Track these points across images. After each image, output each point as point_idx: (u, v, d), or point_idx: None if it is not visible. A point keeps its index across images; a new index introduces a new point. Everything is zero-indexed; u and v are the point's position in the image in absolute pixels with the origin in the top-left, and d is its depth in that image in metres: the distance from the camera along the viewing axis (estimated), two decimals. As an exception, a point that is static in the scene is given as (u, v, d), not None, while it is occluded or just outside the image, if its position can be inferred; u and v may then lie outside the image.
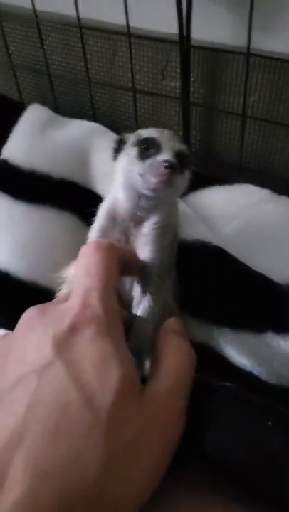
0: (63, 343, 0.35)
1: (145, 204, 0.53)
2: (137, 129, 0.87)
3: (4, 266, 0.68)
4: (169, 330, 0.42)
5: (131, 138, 0.55)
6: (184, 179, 0.53)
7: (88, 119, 0.86)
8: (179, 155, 0.51)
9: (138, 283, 0.52)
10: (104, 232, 0.54)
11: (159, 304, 0.52)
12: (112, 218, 0.55)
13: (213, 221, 0.68)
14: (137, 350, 0.45)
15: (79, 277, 0.41)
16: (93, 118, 0.91)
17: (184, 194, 0.72)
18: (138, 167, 0.51)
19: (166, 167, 0.47)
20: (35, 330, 0.37)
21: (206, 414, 0.37)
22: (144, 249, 0.52)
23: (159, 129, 0.54)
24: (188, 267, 0.58)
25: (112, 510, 0.30)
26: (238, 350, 0.55)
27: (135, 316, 0.51)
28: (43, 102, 0.87)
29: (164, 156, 0.49)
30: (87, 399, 0.32)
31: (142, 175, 0.50)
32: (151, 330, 0.49)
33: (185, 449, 0.35)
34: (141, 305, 0.51)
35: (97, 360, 0.34)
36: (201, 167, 0.83)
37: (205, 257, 0.60)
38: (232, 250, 0.60)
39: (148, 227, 0.53)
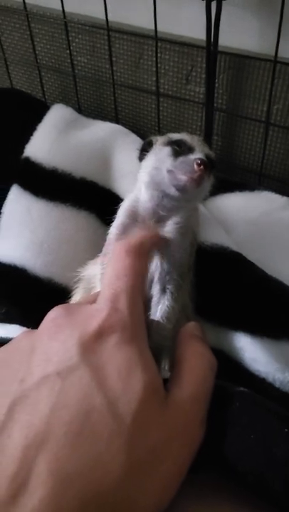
0: (89, 347, 0.34)
1: (168, 204, 0.53)
2: (160, 132, 0.88)
3: (22, 262, 0.69)
4: (190, 335, 0.42)
5: (160, 139, 0.56)
6: (208, 184, 0.53)
7: (111, 120, 0.87)
8: (208, 158, 0.51)
9: (158, 281, 0.52)
10: (125, 229, 0.55)
11: (178, 303, 0.52)
12: (133, 216, 0.55)
13: (232, 226, 0.68)
14: (156, 350, 0.45)
15: (109, 279, 0.40)
16: (116, 120, 0.91)
17: (205, 198, 0.72)
18: (168, 164, 0.51)
19: (199, 164, 0.48)
20: (63, 330, 0.36)
21: (223, 419, 0.37)
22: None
23: (189, 134, 0.56)
24: (205, 271, 0.58)
25: None
26: (252, 356, 0.54)
27: (152, 320, 0.51)
28: (66, 102, 0.88)
29: (197, 155, 0.50)
30: (111, 405, 0.32)
31: (170, 172, 0.51)
32: (170, 330, 0.49)
33: (201, 452, 0.35)
34: (160, 304, 0.51)
35: (122, 367, 0.34)
36: (221, 173, 0.84)
37: (222, 262, 0.59)
38: (249, 256, 0.60)
39: (169, 226, 0.53)
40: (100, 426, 0.31)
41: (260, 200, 0.74)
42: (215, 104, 0.79)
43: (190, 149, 0.52)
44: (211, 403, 0.38)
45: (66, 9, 0.84)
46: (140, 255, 0.43)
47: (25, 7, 0.88)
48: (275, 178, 0.82)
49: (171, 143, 0.53)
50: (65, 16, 0.85)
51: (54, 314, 0.38)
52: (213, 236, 0.61)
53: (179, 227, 0.53)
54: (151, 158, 0.55)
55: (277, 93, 0.74)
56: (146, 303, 0.52)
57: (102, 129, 0.80)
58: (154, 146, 0.56)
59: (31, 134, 0.79)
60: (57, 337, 0.36)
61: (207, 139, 0.82)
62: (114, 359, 0.34)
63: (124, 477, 0.30)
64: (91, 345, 0.34)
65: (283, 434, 0.36)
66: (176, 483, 0.33)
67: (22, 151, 0.77)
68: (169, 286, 0.52)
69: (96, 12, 0.82)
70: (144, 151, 0.57)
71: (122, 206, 0.56)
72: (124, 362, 0.34)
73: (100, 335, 0.35)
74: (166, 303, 0.51)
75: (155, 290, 0.52)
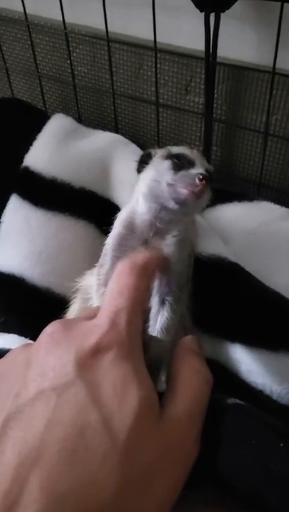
0: (85, 363, 0.34)
1: (165, 216, 0.53)
2: (159, 142, 0.88)
3: (20, 271, 0.69)
4: (186, 349, 0.42)
5: (160, 152, 0.56)
6: (206, 197, 0.53)
7: (110, 130, 0.87)
8: (208, 172, 0.51)
9: (156, 293, 0.52)
10: (122, 240, 0.54)
11: (177, 314, 0.52)
12: (130, 228, 0.55)
13: (231, 236, 0.67)
14: (155, 362, 0.45)
15: (111, 295, 0.40)
16: (115, 129, 0.92)
17: (202, 211, 0.72)
18: (168, 177, 0.51)
19: (200, 179, 0.49)
20: (60, 345, 0.36)
21: (218, 432, 0.37)
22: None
23: (188, 148, 0.56)
24: (202, 282, 0.58)
25: None
26: (249, 368, 0.54)
27: (151, 336, 0.51)
28: (67, 112, 0.89)
29: (198, 170, 0.51)
30: (106, 421, 0.32)
31: (170, 185, 0.51)
32: (169, 344, 0.49)
33: (195, 467, 0.35)
34: (159, 316, 0.51)
35: (118, 383, 0.34)
36: (220, 183, 0.84)
37: (220, 273, 0.59)
38: (248, 267, 0.60)
39: (167, 239, 0.53)
40: (95, 443, 0.31)
41: (259, 210, 0.74)
42: (214, 115, 0.79)
43: (190, 163, 0.52)
44: (206, 415, 0.37)
45: (67, 20, 0.84)
46: (144, 275, 0.42)
47: (26, 18, 0.89)
48: (274, 189, 0.82)
49: (171, 156, 0.54)
50: (65, 27, 0.85)
51: (51, 329, 0.38)
52: (211, 246, 0.61)
53: (176, 240, 0.53)
54: (150, 170, 0.55)
55: (276, 104, 0.74)
56: (145, 314, 0.52)
57: (101, 139, 0.81)
58: (153, 159, 0.56)
59: (31, 144, 0.79)
60: (53, 352, 0.36)
61: (206, 149, 0.82)
62: (109, 375, 0.34)
63: (118, 495, 0.30)
64: (87, 361, 0.34)
65: (280, 450, 0.35)
66: (171, 500, 0.33)
67: (22, 161, 0.77)
68: (168, 298, 0.52)
69: (96, 23, 0.82)
70: (142, 162, 0.57)
71: (119, 217, 0.56)
72: (120, 378, 0.34)
73: (96, 351, 0.35)
74: (166, 314, 0.51)
75: (154, 301, 0.52)
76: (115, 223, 0.56)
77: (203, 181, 0.49)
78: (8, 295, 0.70)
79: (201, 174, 0.49)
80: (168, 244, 0.53)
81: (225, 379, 0.56)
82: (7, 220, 0.74)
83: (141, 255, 0.45)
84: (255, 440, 0.36)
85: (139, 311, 0.40)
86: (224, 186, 0.80)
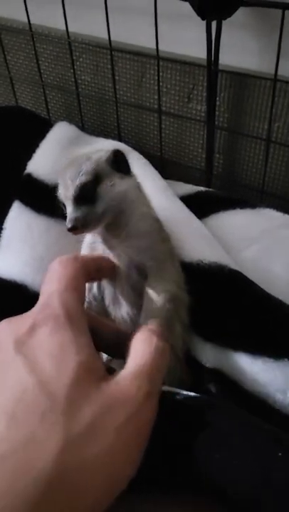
0: (22, 341, 0.36)
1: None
2: (161, 149, 0.88)
3: (22, 277, 0.69)
4: (144, 328, 0.42)
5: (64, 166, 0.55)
6: (124, 183, 0.54)
7: (113, 138, 0.88)
8: (82, 191, 0.51)
9: (133, 271, 0.54)
10: (91, 250, 0.57)
11: (164, 279, 0.53)
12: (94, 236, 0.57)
13: (233, 244, 0.67)
14: None
15: (42, 287, 0.42)
16: (118, 137, 0.92)
17: (205, 216, 0.72)
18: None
19: (69, 230, 0.51)
20: (1, 334, 0.38)
21: (214, 437, 0.36)
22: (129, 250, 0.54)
23: (63, 171, 0.53)
24: (204, 290, 0.58)
25: (74, 494, 0.30)
26: (253, 377, 0.53)
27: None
28: (70, 120, 0.89)
29: (69, 214, 0.51)
30: (44, 384, 0.33)
31: None
32: (163, 302, 0.51)
33: (189, 473, 0.34)
34: (146, 283, 0.53)
35: (55, 351, 0.35)
36: (223, 190, 0.84)
37: (222, 281, 0.59)
38: (250, 274, 0.59)
39: (124, 230, 0.54)
40: (33, 405, 0.32)
41: (262, 217, 0.73)
42: (216, 122, 0.79)
43: (64, 204, 0.53)
44: (204, 419, 0.37)
45: (70, 29, 0.85)
46: (71, 263, 0.43)
47: (30, 28, 0.90)
48: (277, 196, 0.82)
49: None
50: (69, 36, 0.86)
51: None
52: (212, 254, 0.61)
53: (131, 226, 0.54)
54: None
55: (278, 111, 0.74)
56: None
57: (104, 147, 0.81)
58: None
59: (34, 151, 0.79)
60: None
61: (208, 157, 0.82)
62: (45, 346, 0.35)
63: (61, 452, 0.30)
64: (24, 338, 0.36)
65: (277, 459, 0.35)
66: (123, 461, 0.32)
67: (24, 168, 0.78)
68: (147, 269, 0.53)
69: (99, 32, 0.83)
70: None
71: None
72: (57, 347, 0.35)
73: (32, 328, 0.37)
74: (150, 278, 0.53)
75: (134, 275, 0.54)
76: None
77: (73, 231, 0.50)
78: (9, 301, 0.69)
79: (69, 224, 0.50)
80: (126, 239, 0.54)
81: (229, 388, 0.55)
82: (9, 227, 0.74)
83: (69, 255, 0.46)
84: (252, 447, 0.36)
85: (71, 291, 0.40)
86: (227, 193, 0.80)
